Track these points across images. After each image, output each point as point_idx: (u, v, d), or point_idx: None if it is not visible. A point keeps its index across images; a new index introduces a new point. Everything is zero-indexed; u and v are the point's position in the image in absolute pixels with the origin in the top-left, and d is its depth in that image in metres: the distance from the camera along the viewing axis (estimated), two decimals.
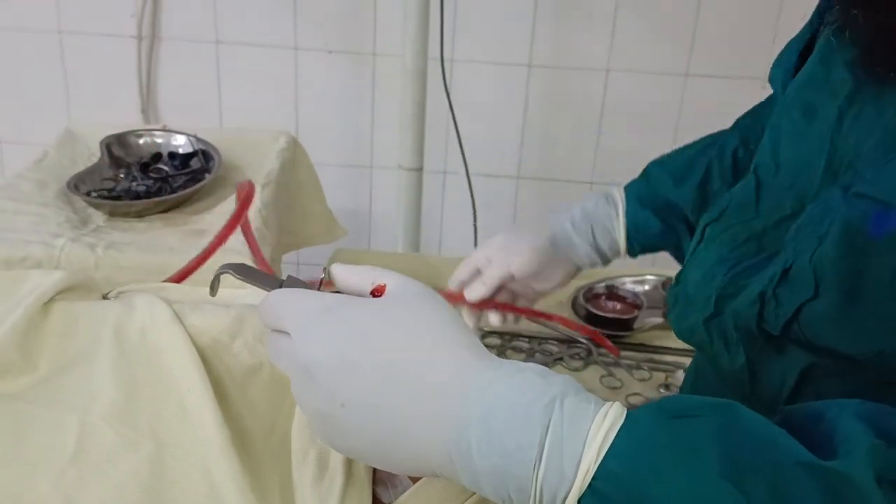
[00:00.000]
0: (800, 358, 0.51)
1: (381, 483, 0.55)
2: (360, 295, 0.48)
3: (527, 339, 1.07)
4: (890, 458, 0.36)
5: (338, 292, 0.50)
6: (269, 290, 0.50)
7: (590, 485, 0.38)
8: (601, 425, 0.39)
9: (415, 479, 0.54)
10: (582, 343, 1.06)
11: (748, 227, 0.58)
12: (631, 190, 0.85)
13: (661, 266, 1.13)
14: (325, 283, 0.52)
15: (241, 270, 0.54)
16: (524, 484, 0.39)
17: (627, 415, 0.40)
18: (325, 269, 0.53)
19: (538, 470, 0.39)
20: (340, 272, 0.51)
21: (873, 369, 0.46)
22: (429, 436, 0.41)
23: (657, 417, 0.39)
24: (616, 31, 1.60)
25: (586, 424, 0.39)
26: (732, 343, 0.55)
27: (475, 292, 0.84)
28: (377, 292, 0.48)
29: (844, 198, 0.47)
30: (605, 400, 0.42)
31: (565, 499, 0.39)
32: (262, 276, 0.53)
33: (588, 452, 0.38)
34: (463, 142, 1.57)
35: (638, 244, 0.84)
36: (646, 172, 0.85)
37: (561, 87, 1.65)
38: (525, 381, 0.41)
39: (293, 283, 0.52)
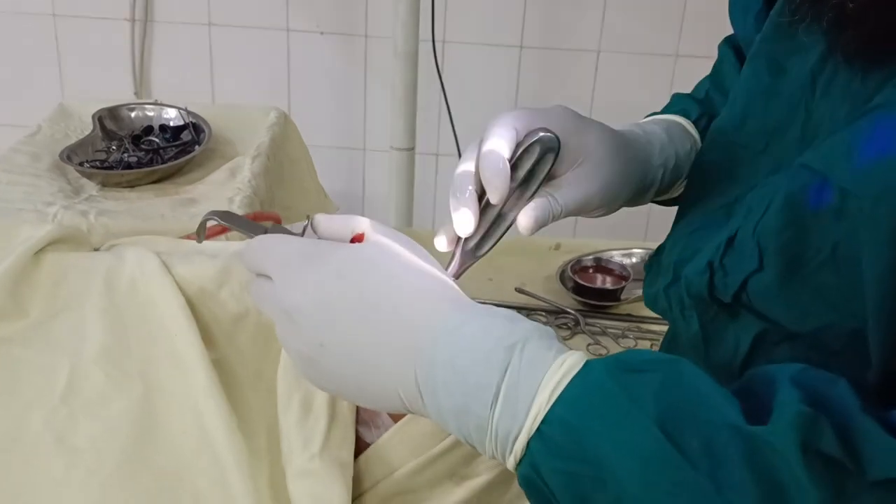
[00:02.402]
0: (753, 324, 0.51)
1: (363, 424, 0.56)
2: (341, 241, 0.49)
3: (515, 311, 1.08)
4: (816, 427, 0.36)
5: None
6: (253, 237, 0.51)
7: (538, 428, 0.39)
8: (556, 372, 0.40)
9: (396, 419, 0.56)
10: (569, 313, 1.07)
11: (723, 195, 0.57)
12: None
13: (650, 239, 1.15)
14: (307, 232, 0.54)
15: (226, 217, 0.55)
16: (482, 423, 0.40)
17: (584, 364, 0.41)
18: (308, 217, 0.54)
19: (494, 410, 0.40)
20: (323, 220, 0.53)
21: (817, 342, 0.47)
22: (401, 374, 0.42)
23: (610, 370, 0.40)
24: (606, 12, 1.62)
25: (542, 370, 0.40)
26: (687, 309, 0.55)
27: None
28: (357, 240, 0.49)
29: (792, 168, 0.47)
30: (569, 348, 0.42)
31: (516, 439, 0.39)
32: (247, 222, 0.55)
33: (539, 397, 0.39)
34: (455, 123, 1.59)
35: None
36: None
37: (552, 67, 1.67)
38: (493, 324, 0.42)
39: (277, 231, 0.54)
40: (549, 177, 0.51)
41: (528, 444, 0.40)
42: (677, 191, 0.65)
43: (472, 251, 0.51)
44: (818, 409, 0.37)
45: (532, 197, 0.51)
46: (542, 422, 0.39)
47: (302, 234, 0.53)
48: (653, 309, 0.62)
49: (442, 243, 0.51)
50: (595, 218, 0.59)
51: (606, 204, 0.55)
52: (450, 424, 0.42)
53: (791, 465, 0.36)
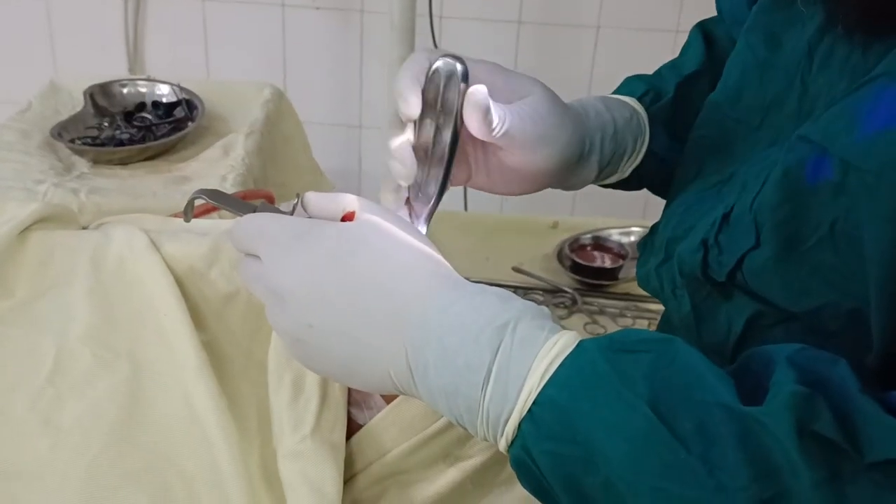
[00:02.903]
0: (747, 304, 0.50)
1: (355, 405, 0.56)
2: (331, 220, 0.48)
3: (511, 290, 1.07)
4: (812, 408, 0.35)
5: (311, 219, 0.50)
6: (242, 216, 0.50)
7: (529, 410, 0.38)
8: (549, 352, 0.39)
9: (388, 401, 0.55)
10: (567, 292, 1.06)
11: (718, 171, 0.56)
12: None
13: (649, 218, 1.13)
14: (297, 210, 0.52)
15: (214, 196, 0.54)
16: (473, 404, 0.39)
17: (577, 345, 0.40)
18: (297, 195, 0.53)
19: (485, 391, 0.39)
20: (313, 199, 0.51)
21: (813, 323, 0.46)
22: (391, 354, 0.42)
23: (602, 350, 0.39)
24: None
25: (534, 350, 0.39)
26: (678, 289, 0.54)
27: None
28: (347, 218, 0.48)
29: (790, 141, 0.45)
30: (563, 328, 0.41)
31: (507, 421, 0.39)
32: (236, 201, 0.54)
33: (531, 378, 0.39)
34: None
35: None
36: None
37: (550, 43, 1.64)
38: (484, 303, 0.41)
39: (266, 209, 0.52)
40: None
41: (520, 425, 0.39)
42: (626, 171, 0.63)
43: (424, 197, 0.51)
44: (815, 389, 0.36)
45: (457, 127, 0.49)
46: (534, 403, 0.38)
47: (292, 213, 0.52)
48: (645, 288, 0.60)
49: (388, 200, 0.51)
50: (536, 180, 0.55)
51: (544, 144, 0.52)
52: (440, 405, 0.41)
53: (785, 446, 0.35)
